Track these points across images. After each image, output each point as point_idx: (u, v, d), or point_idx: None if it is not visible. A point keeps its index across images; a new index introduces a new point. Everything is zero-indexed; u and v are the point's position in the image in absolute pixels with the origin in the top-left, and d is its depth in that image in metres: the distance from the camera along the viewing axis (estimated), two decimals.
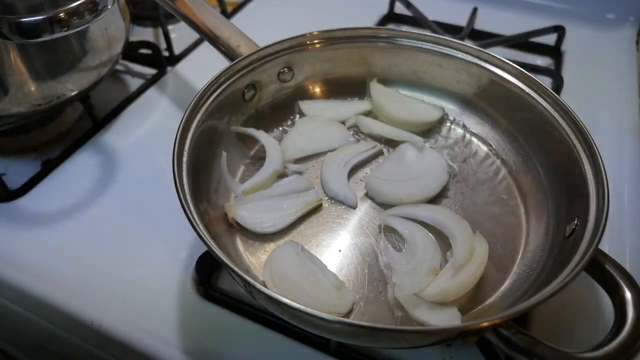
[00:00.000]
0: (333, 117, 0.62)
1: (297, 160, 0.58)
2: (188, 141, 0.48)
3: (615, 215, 0.52)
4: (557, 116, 0.52)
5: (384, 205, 0.54)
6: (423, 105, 0.63)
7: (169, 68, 0.79)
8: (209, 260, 0.50)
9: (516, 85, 0.56)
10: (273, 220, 0.51)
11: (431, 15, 0.84)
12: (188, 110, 0.49)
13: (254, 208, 0.51)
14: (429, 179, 0.55)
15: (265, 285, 0.44)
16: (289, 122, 0.63)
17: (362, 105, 0.64)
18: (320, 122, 0.61)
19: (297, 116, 0.63)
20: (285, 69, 0.61)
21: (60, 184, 0.60)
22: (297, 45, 0.60)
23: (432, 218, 0.51)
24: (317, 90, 0.65)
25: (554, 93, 0.53)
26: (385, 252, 0.49)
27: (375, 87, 0.63)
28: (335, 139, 0.60)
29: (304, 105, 0.63)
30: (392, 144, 0.61)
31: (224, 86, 0.54)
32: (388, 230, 0.51)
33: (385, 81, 0.64)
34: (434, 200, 0.54)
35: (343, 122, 0.62)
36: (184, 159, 0.47)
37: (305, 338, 0.46)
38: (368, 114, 0.64)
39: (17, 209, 0.58)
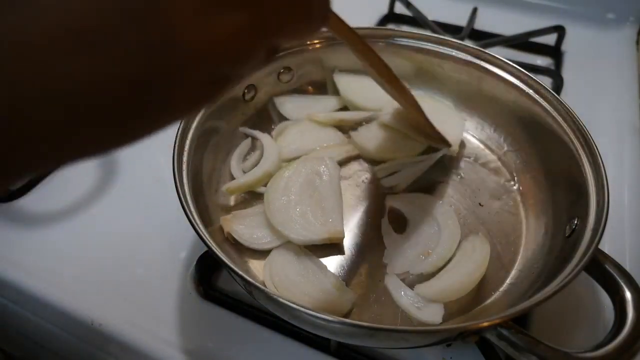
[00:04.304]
0: (308, 114, 0.61)
1: (290, 161, 0.58)
2: (188, 141, 0.48)
3: (615, 215, 0.52)
4: (557, 116, 0.52)
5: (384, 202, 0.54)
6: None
7: None
8: (209, 260, 0.50)
9: (516, 85, 0.56)
10: (270, 236, 0.49)
11: (431, 15, 0.84)
12: None
13: (252, 223, 0.50)
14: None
15: (265, 285, 0.44)
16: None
17: (333, 101, 0.63)
18: (314, 123, 0.61)
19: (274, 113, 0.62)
20: (285, 69, 0.61)
21: (60, 184, 0.60)
22: (296, 46, 0.60)
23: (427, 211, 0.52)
24: (317, 90, 0.65)
25: (554, 93, 0.53)
26: (385, 233, 0.50)
27: (340, 79, 0.63)
28: (328, 139, 0.60)
29: (278, 100, 0.62)
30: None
31: None
32: (394, 212, 0.53)
33: None
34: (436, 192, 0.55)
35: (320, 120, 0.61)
36: (184, 159, 0.47)
37: (305, 338, 0.46)
38: (343, 108, 0.64)
39: (17, 209, 0.58)
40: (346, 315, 0.44)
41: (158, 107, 0.22)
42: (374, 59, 0.45)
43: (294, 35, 0.25)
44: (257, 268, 0.48)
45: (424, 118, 0.53)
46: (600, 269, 0.40)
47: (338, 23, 0.39)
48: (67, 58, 0.18)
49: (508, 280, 0.48)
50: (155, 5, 0.19)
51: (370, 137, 0.59)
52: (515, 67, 0.56)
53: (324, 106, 0.63)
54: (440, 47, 0.60)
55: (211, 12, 0.21)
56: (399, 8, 0.89)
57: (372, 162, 0.58)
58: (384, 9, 0.91)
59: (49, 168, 0.22)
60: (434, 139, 0.57)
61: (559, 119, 0.51)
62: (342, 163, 0.58)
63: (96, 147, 0.22)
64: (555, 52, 0.81)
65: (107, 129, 0.21)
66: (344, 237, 0.49)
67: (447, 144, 0.57)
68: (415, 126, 0.58)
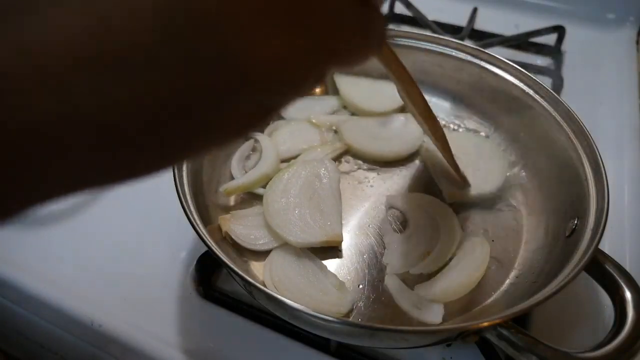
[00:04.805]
0: (308, 116, 0.61)
1: (284, 160, 0.58)
2: None
3: (615, 215, 0.52)
4: (557, 116, 0.52)
5: (385, 202, 0.54)
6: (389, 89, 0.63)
7: None
8: (209, 260, 0.50)
9: (516, 85, 0.56)
10: (268, 237, 0.49)
11: (431, 15, 0.84)
12: None
13: (250, 223, 0.50)
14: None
15: (265, 286, 0.44)
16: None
17: (333, 101, 0.64)
18: (306, 123, 0.61)
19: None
20: None
21: None
22: None
23: (429, 212, 0.52)
24: (317, 90, 0.65)
25: (554, 93, 0.53)
26: (385, 233, 0.50)
27: (340, 80, 0.63)
28: (320, 138, 0.60)
29: None
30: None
31: None
32: (394, 212, 0.53)
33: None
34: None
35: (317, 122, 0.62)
36: None
37: (305, 338, 0.46)
38: (343, 108, 0.64)
39: None
40: (346, 315, 0.44)
41: (195, 136, 0.20)
42: (416, 94, 0.46)
43: (346, 61, 0.24)
44: (257, 268, 0.48)
45: (449, 156, 0.52)
46: (600, 269, 0.40)
47: (389, 53, 0.39)
48: (89, 77, 0.16)
49: (508, 280, 0.47)
50: (204, 15, 0.17)
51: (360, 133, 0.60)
52: (515, 67, 0.56)
53: (323, 106, 0.63)
54: (440, 47, 0.60)
55: (269, 31, 0.18)
56: (399, 8, 0.89)
57: (363, 158, 0.59)
58: (384, 9, 0.91)
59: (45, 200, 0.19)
60: (456, 178, 0.54)
61: (559, 119, 0.51)
62: (336, 159, 0.58)
63: (94, 180, 0.19)
64: (555, 52, 0.81)
65: (126, 158, 0.19)
66: (342, 240, 0.49)
67: (467, 183, 0.54)
68: (439, 165, 0.56)
